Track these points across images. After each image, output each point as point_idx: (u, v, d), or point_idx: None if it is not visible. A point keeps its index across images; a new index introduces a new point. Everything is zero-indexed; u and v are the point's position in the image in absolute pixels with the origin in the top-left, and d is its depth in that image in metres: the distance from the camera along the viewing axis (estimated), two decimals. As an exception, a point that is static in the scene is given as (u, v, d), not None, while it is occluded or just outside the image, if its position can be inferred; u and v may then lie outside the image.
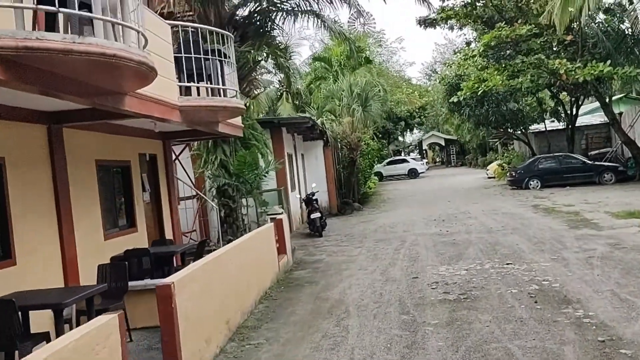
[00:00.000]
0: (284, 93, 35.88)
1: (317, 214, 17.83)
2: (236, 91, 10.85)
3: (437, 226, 17.28)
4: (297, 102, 32.70)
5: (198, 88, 10.41)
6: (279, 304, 9.17)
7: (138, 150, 11.53)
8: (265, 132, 18.88)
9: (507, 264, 10.49)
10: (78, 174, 8.92)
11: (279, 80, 38.83)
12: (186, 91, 10.28)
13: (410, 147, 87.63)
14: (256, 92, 19.76)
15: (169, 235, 12.62)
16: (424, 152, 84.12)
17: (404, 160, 56.18)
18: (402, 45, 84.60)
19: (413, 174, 52.29)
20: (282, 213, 17.20)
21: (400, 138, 74.62)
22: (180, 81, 9.78)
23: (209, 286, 6.64)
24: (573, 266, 9.81)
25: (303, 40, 74.56)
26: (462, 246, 13.03)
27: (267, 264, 10.42)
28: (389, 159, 56.29)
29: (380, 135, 57.35)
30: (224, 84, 10.70)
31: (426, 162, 64.80)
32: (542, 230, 14.38)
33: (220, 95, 10.68)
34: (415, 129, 72.26)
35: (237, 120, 13.34)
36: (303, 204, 18.78)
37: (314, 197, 18.79)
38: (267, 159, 16.14)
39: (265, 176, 15.02)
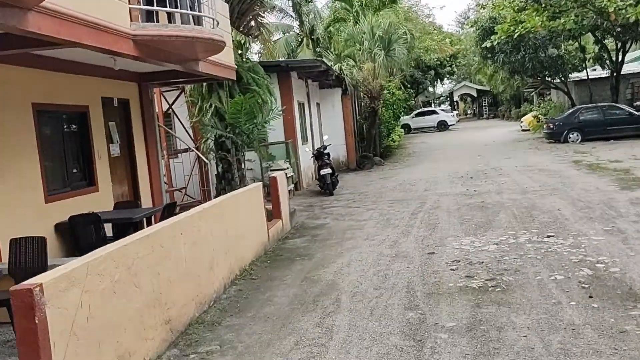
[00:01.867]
0: (304, 38, 33.57)
1: (328, 170, 15.81)
2: (214, 20, 8.74)
3: (464, 185, 15.16)
4: (317, 49, 30.41)
5: (169, 16, 8.38)
6: (256, 286, 7.28)
7: (100, 94, 9.59)
8: (271, 76, 16.82)
9: (548, 236, 8.39)
10: (1, 119, 7.03)
11: (298, 25, 36.55)
12: (148, 18, 8.27)
13: (441, 98, 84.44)
14: (262, 32, 17.57)
15: (145, 194, 10.79)
16: (455, 103, 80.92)
17: (433, 112, 53.51)
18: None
19: (442, 126, 49.79)
20: (287, 168, 15.29)
21: (430, 88, 71.46)
22: (136, 3, 7.76)
23: (130, 278, 4.73)
24: (634, 242, 7.68)
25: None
26: (491, 210, 10.94)
27: (249, 233, 8.50)
28: (417, 111, 53.71)
29: (408, 85, 54.66)
30: (199, 11, 8.66)
31: (457, 114, 61.91)
32: (588, 191, 12.18)
33: (197, 25, 8.65)
34: (445, 79, 69.04)
35: (228, 60, 11.29)
36: (313, 158, 16.77)
37: (325, 151, 16.75)
38: (269, 106, 14.04)
39: (264, 126, 12.94)
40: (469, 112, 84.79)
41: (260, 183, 9.60)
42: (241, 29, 14.76)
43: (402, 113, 39.06)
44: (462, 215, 10.71)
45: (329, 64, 22.53)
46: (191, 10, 8.57)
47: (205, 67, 10.02)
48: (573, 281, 6.29)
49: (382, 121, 26.82)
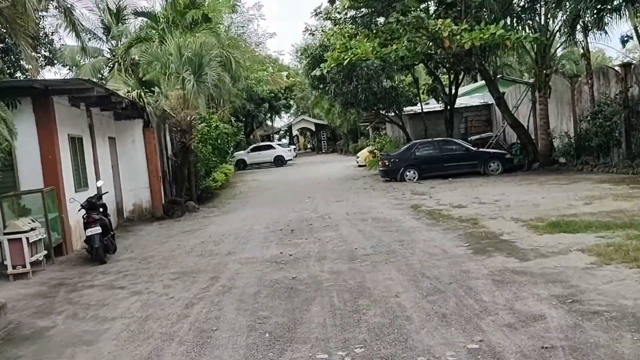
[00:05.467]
0: (115, 64, 29.01)
1: (96, 229, 11.51)
2: None
3: (280, 243, 11.65)
4: (129, 76, 25.98)
5: None
6: None
7: None
8: (21, 102, 12.43)
9: (380, 367, 4.96)
10: None
11: (109, 49, 31.93)
12: None
13: (281, 132, 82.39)
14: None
15: None
16: (296, 137, 79.13)
17: (270, 147, 50.49)
18: (262, 13, 77.30)
19: (279, 161, 46.91)
20: (31, 230, 10.86)
21: (268, 122, 68.97)
22: None
23: None
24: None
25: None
26: (302, 297, 7.39)
27: None
28: (253, 145, 50.48)
29: (242, 118, 51.34)
30: None
31: (294, 149, 59.54)
32: (433, 256, 9.09)
33: None
34: (283, 112, 66.91)
35: None
36: (84, 211, 12.38)
37: (99, 202, 12.53)
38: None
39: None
40: (309, 146, 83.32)
41: None
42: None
43: (231, 148, 35.53)
44: (256, 310, 7.02)
45: (127, 90, 18.43)
46: None
47: None
48: None
49: (199, 158, 22.94)
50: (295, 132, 76.08)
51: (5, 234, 10.38)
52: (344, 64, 22.50)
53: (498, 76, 26.67)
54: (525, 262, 8.10)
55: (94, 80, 29.11)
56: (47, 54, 32.12)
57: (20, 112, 12.30)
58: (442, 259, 8.86)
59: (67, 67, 32.15)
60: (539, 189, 16.50)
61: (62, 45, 30.81)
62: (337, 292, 7.46)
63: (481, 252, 9.02)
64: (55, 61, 31.76)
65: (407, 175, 23.04)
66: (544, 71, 21.95)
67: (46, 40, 31.01)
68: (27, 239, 10.35)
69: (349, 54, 21.58)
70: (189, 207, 19.94)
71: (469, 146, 23.68)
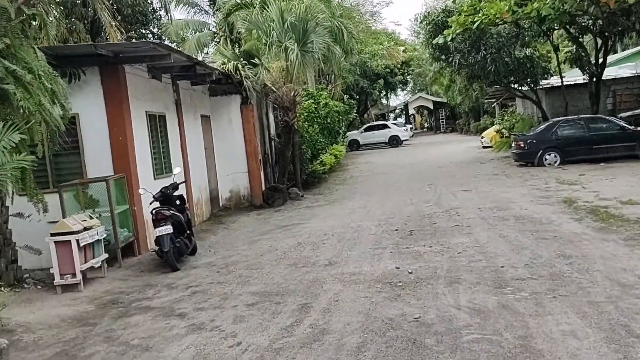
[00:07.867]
0: (222, 38, 27.21)
1: (167, 228, 9.28)
2: None
3: (395, 252, 8.90)
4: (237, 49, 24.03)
5: None
6: None
7: None
8: (85, 72, 10.41)
9: None
10: None
11: (215, 22, 30.31)
12: None
13: (397, 111, 78.97)
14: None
15: None
16: (412, 116, 75.50)
17: (384, 126, 47.38)
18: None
19: (395, 142, 43.73)
20: (86, 229, 8.76)
21: (384, 100, 65.70)
22: None
23: None
24: None
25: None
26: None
27: None
28: (366, 125, 47.64)
29: (357, 96, 48.58)
30: None
31: (411, 128, 56.05)
32: (629, 289, 5.99)
33: None
34: (399, 89, 63.28)
35: None
36: (157, 204, 10.20)
37: (175, 193, 10.35)
38: (49, 120, 7.66)
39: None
40: (425, 125, 79.24)
41: None
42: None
43: (343, 128, 32.97)
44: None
45: (222, 61, 16.23)
46: None
47: None
48: None
49: (305, 139, 20.51)
50: (411, 111, 72.50)
51: (52, 234, 8.32)
52: (473, 29, 19.17)
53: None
54: None
55: (198, 56, 27.61)
56: (155, 30, 31.24)
57: (85, 84, 10.32)
58: (646, 297, 5.75)
59: (174, 42, 30.92)
60: None
61: (167, 20, 29.58)
62: None
63: None
64: (163, 37, 30.75)
65: (546, 159, 19.44)
66: None
67: (154, 16, 30.08)
68: (78, 241, 8.25)
69: (480, 16, 18.27)
70: (292, 194, 17.58)
71: (624, 124, 19.60)
